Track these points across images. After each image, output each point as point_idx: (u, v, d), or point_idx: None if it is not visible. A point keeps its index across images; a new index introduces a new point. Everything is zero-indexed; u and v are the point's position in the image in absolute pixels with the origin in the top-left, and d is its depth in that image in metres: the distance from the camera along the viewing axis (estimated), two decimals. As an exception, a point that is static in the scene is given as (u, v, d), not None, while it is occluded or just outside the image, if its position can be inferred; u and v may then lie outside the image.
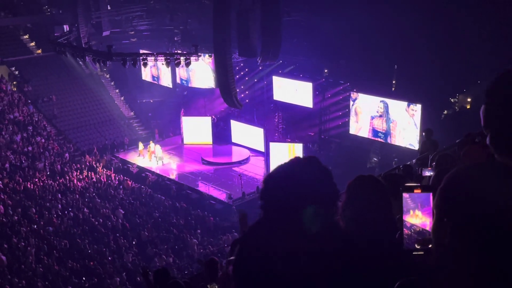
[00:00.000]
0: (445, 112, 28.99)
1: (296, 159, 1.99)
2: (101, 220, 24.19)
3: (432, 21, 25.57)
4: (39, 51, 39.58)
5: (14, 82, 36.92)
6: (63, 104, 36.71)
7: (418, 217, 2.31)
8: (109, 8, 37.03)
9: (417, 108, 26.48)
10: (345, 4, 27.91)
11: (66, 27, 38.27)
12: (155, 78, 39.42)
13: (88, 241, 22.22)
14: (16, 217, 23.77)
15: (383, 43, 27.25)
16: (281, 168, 1.96)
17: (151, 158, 32.67)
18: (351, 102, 29.65)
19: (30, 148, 31.32)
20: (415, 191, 2.33)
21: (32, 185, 27.64)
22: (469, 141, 7.42)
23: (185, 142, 35.19)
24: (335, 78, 31.56)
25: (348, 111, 30.20)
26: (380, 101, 28.01)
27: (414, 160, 10.48)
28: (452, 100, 29.43)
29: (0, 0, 39.70)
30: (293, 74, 33.06)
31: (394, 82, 30.55)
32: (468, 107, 28.91)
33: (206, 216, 25.73)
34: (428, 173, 4.86)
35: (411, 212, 2.31)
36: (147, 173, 31.31)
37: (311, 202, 1.86)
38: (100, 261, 20.74)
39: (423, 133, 8.79)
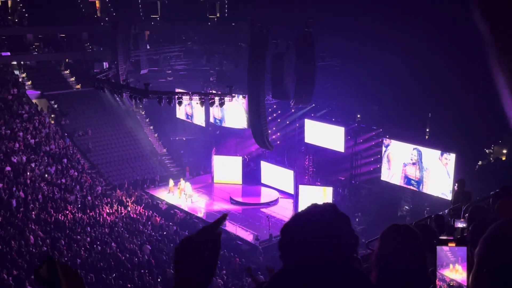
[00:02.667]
0: (480, 162, 28.50)
1: (314, 206, 1.96)
2: (127, 255, 24.23)
3: (468, 69, 25.45)
4: (79, 86, 40.82)
5: (53, 115, 37.99)
6: (98, 138, 37.48)
7: (458, 272, 2.25)
8: (148, 47, 38.09)
9: (451, 157, 26.05)
10: (380, 51, 28.06)
11: (105, 64, 39.44)
12: (189, 117, 40.00)
13: (114, 276, 22.21)
14: (45, 248, 24.03)
15: (417, 90, 27.20)
16: (298, 217, 1.96)
17: (181, 195, 32.84)
18: (384, 148, 29.42)
19: (63, 180, 31.88)
20: (449, 244, 2.28)
21: (63, 217, 28.01)
22: (504, 194, 7.25)
23: (215, 180, 35.32)
24: (368, 123, 31.45)
25: (380, 157, 29.94)
26: (414, 149, 27.68)
27: (446, 211, 10.26)
28: (487, 151, 28.95)
29: (44, 36, 41.37)
30: (326, 118, 33.08)
31: (427, 130, 30.29)
32: (504, 158, 28.39)
33: (232, 257, 25.51)
34: (460, 224, 4.75)
35: (451, 266, 2.26)
36: (176, 210, 31.42)
37: (330, 251, 1.82)
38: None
39: (456, 184, 8.64)
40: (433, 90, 26.97)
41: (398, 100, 28.34)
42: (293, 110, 34.52)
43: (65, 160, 33.71)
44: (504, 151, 28.74)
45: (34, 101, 37.92)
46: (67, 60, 42.38)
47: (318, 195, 29.63)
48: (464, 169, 25.69)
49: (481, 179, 23.95)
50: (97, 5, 44.48)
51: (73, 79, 41.37)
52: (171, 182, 33.92)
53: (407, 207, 29.97)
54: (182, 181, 33.39)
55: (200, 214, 31.02)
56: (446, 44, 26.07)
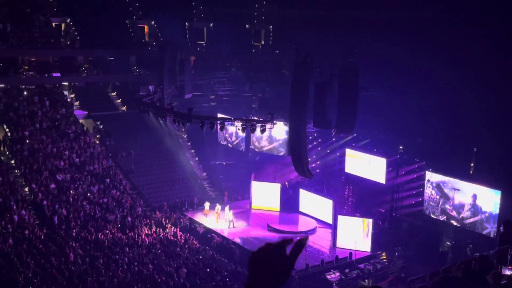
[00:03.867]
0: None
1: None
2: (164, 277, 24.33)
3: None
4: (124, 108, 41.80)
5: (98, 136, 38.94)
6: (140, 160, 38.12)
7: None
8: (193, 72, 38.80)
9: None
10: (424, 82, 27.81)
11: (151, 88, 40.32)
12: (230, 142, 40.31)
13: (149, 298, 22.34)
14: (84, 266, 24.40)
15: (462, 123, 26.72)
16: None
17: (218, 220, 32.91)
18: (427, 182, 28.83)
19: (105, 200, 32.49)
20: None
21: (102, 236, 28.46)
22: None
23: (252, 206, 35.29)
24: (411, 155, 30.95)
25: (422, 190, 29.34)
26: (471, 196, 26.73)
27: (491, 251, 9.92)
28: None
29: (94, 59, 42.72)
30: (367, 148, 32.75)
31: (472, 165, 29.56)
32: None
33: (268, 285, 25.22)
34: (508, 272, 4.55)
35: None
36: (213, 234, 31.47)
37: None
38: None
39: (502, 224, 8.36)
40: (479, 124, 26.42)
41: (442, 132, 27.86)
42: (334, 139, 34.33)
43: (108, 180, 34.38)
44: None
45: (81, 121, 39.02)
46: (114, 82, 43.52)
47: (357, 226, 29.21)
48: (509, 206, 24.91)
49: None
50: (146, 30, 45.73)
51: (119, 101, 42.44)
52: (207, 205, 34.09)
53: (448, 243, 29.18)
54: (218, 206, 33.50)
55: (237, 240, 30.93)
56: (492, 77, 25.61)
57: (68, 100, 40.35)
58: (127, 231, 29.99)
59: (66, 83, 41.49)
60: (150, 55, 41.92)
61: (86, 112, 40.12)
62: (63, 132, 36.59)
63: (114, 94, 43.00)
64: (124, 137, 39.18)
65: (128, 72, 42.98)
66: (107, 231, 29.26)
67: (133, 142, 38.85)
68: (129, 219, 31.26)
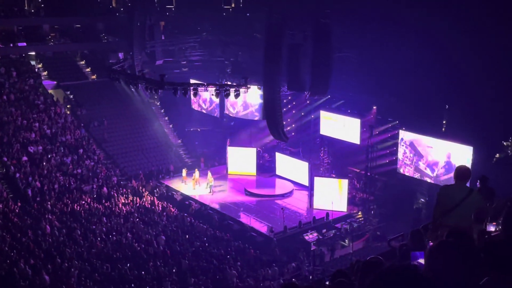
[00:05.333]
0: (497, 155, 28.10)
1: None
2: (143, 245, 24.35)
3: (486, 61, 25.05)
4: (94, 76, 40.97)
5: (68, 106, 38.21)
6: (113, 129, 37.64)
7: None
8: (163, 38, 38.06)
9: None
10: (397, 42, 27.74)
11: (121, 55, 39.51)
12: (204, 108, 40.01)
13: (129, 266, 22.34)
14: (61, 238, 24.24)
15: (434, 82, 26.87)
16: None
17: (195, 186, 32.92)
18: (400, 140, 29.17)
19: (79, 171, 32.10)
20: None
21: (79, 207, 28.22)
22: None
23: (229, 172, 35.33)
24: (384, 115, 31.17)
25: (396, 149, 29.71)
26: (445, 153, 27.10)
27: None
28: (505, 143, 28.53)
29: (60, 27, 41.51)
30: (341, 110, 32.87)
31: (444, 122, 29.94)
32: (522, 151, 27.96)
33: (247, 248, 25.54)
34: (492, 228, 4.57)
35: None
36: (191, 201, 31.50)
37: None
38: (140, 287, 20.80)
39: (478, 180, 8.45)
40: (450, 82, 26.62)
41: (415, 91, 28.01)
42: (308, 102, 34.36)
43: (81, 151, 33.92)
44: (523, 144, 28.31)
45: (50, 91, 38.15)
46: (83, 51, 42.49)
47: (333, 187, 29.53)
48: (482, 162, 25.40)
49: (498, 171, 23.65)
50: (113, -5, 44.53)
51: (88, 69, 41.54)
52: (184, 171, 34.04)
53: (422, 200, 29.74)
54: (196, 172, 33.46)
55: (215, 206, 31.02)
56: (464, 36, 25.67)
57: (36, 70, 39.30)
58: (104, 201, 29.80)
59: (33, 53, 40.35)
60: (118, 22, 40.95)
61: (55, 82, 39.20)
62: (32, 104, 35.76)
63: (83, 62, 42.05)
64: (95, 107, 38.55)
65: (96, 39, 41.98)
66: (83, 202, 29.03)
67: (105, 111, 38.29)
68: (105, 189, 31.02)
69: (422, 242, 5.52)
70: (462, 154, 26.05)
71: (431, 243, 4.54)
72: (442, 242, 2.56)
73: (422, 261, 3.32)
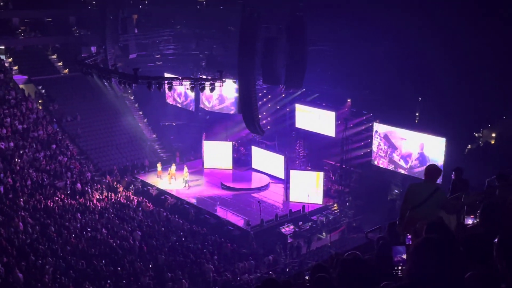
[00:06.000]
0: (469, 146, 28.63)
1: None
2: (118, 241, 24.13)
3: (458, 55, 25.46)
4: (66, 71, 40.29)
5: (40, 101, 37.53)
6: (86, 124, 37.13)
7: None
8: (136, 31, 37.64)
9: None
10: (371, 35, 27.97)
11: (93, 49, 38.94)
12: (179, 102, 39.76)
13: (105, 262, 22.13)
14: (35, 235, 23.85)
15: (407, 74, 27.20)
16: None
17: (170, 181, 32.75)
18: (374, 133, 29.46)
19: (52, 167, 31.60)
20: None
21: (52, 203, 27.80)
22: (501, 181, 7.23)
23: (205, 166, 35.23)
24: (359, 108, 31.45)
25: (370, 141, 30.01)
26: (419, 145, 27.42)
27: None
28: (476, 134, 29.08)
29: (30, 20, 40.69)
30: (316, 103, 33.05)
31: (417, 114, 30.34)
32: (493, 142, 28.53)
33: (224, 242, 25.54)
34: (470, 221, 4.63)
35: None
36: (167, 196, 31.33)
37: None
38: (116, 283, 20.62)
39: (453, 172, 8.59)
40: (422, 74, 26.98)
41: (389, 84, 28.32)
42: (283, 95, 34.45)
43: (54, 146, 33.38)
44: (493, 135, 28.89)
45: (21, 86, 37.37)
46: (54, 44, 41.73)
47: (309, 180, 29.69)
48: (455, 153, 25.85)
49: (470, 162, 24.11)
50: (84, -12, 43.80)
51: (60, 63, 40.82)
52: (159, 166, 33.83)
53: (397, 191, 30.13)
54: (173, 166, 33.27)
55: (191, 200, 30.92)
56: (435, 30, 26.02)
57: (6, 64, 38.45)
58: (78, 197, 29.40)
59: (2, 47, 39.45)
60: (90, 15, 40.37)
61: (26, 77, 38.40)
62: (3, 99, 34.98)
63: (54, 56, 41.29)
64: (68, 101, 37.95)
65: (68, 33, 41.27)
66: (57, 198, 28.59)
67: (78, 106, 37.74)
68: (79, 185, 30.60)
69: (399, 234, 5.60)
70: (435, 146, 26.45)
71: (409, 236, 4.61)
72: (425, 239, 2.57)
73: (405, 256, 3.37)
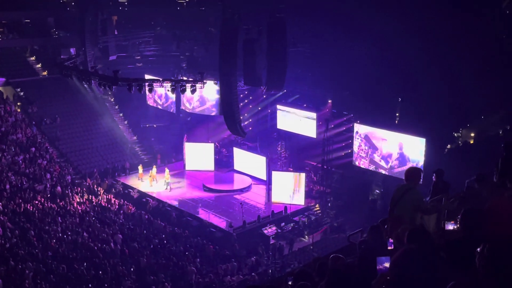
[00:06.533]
0: (449, 146, 28.96)
1: None
2: (99, 245, 23.93)
3: (437, 55, 25.76)
4: (45, 73, 39.81)
5: (19, 103, 37.03)
6: (66, 126, 36.75)
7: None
8: (116, 33, 37.35)
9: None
10: (350, 37, 28.15)
11: (73, 50, 38.53)
12: (159, 103, 39.57)
13: (86, 266, 21.93)
14: (14, 240, 23.53)
15: (387, 75, 27.41)
16: None
17: (152, 183, 32.58)
18: (355, 133, 29.66)
19: (31, 170, 31.22)
20: None
21: (32, 207, 27.45)
22: (481, 182, 7.34)
23: (187, 168, 35.11)
24: (339, 109, 31.65)
25: (351, 142, 30.20)
26: (398, 145, 27.68)
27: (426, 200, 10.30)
28: (455, 134, 29.43)
29: (8, 22, 40.10)
30: (297, 104, 33.17)
31: (397, 114, 30.61)
32: (472, 142, 28.90)
33: (206, 244, 25.48)
34: (451, 226, 4.69)
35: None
36: (148, 198, 31.16)
37: None
38: (97, 287, 20.46)
39: (434, 173, 8.70)
40: (402, 75, 27.20)
41: (369, 85, 28.51)
42: (264, 96, 34.49)
43: (33, 149, 32.97)
44: (472, 135, 29.24)
45: (-1, 88, 36.87)
46: (33, 46, 41.20)
47: (291, 180, 29.78)
48: (434, 153, 26.14)
49: (450, 162, 24.40)
50: (63, -11, 43.29)
51: (39, 65, 40.32)
52: (140, 168, 33.63)
53: (378, 191, 30.36)
54: (154, 169, 33.10)
55: (173, 202, 30.78)
56: (414, 31, 26.31)
57: (-17, 66, 37.88)
58: (58, 200, 29.09)
59: (-21, 49, 38.87)
60: (69, 16, 39.87)
61: (4, 79, 37.84)
62: (-20, 101, 34.50)
63: (33, 58, 40.76)
64: (47, 104, 37.50)
65: (46, 35, 40.75)
66: (37, 202, 28.24)
67: (58, 108, 37.34)
68: (59, 188, 30.27)
69: (381, 237, 5.66)
70: (415, 146, 26.74)
71: (391, 240, 4.66)
72: (405, 251, 2.61)
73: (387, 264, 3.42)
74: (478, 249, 2.36)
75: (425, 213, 6.22)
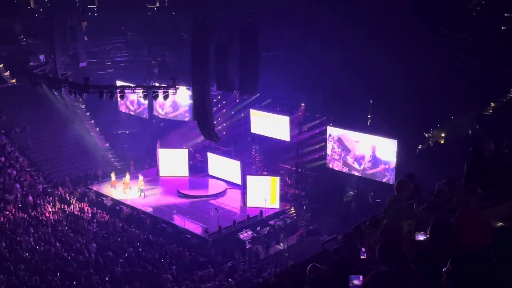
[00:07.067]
0: (420, 146, 29.39)
1: None
2: (73, 254, 23.56)
3: (406, 57, 26.14)
4: (14, 80, 39.09)
5: (-13, 112, 36.28)
6: (36, 135, 36.14)
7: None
8: (86, 39, 36.89)
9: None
10: (322, 41, 28.39)
11: (42, 57, 37.92)
12: (132, 109, 39.22)
13: (60, 277, 21.55)
14: (-15, 252, 23.02)
15: (358, 78, 27.71)
16: None
17: (125, 190, 32.25)
18: (328, 136, 29.89)
19: (1, 180, 30.59)
20: None
21: (2, 218, 26.89)
22: (449, 186, 7.47)
23: (161, 174, 34.87)
24: (312, 112, 31.87)
25: (325, 144, 30.42)
26: (371, 147, 27.99)
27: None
28: (426, 135, 29.88)
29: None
30: (271, 108, 33.28)
31: (369, 116, 30.96)
32: (442, 142, 29.38)
33: (182, 251, 25.32)
34: (421, 237, 4.74)
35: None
36: (122, 206, 30.82)
37: None
38: (72, 298, 20.15)
39: (405, 179, 8.81)
40: (373, 77, 27.52)
41: (340, 88, 28.77)
42: (238, 101, 34.51)
43: (3, 159, 32.32)
44: (443, 135, 29.74)
45: (-35, 97, 36.06)
46: (0, 53, 40.39)
47: (266, 184, 29.82)
48: (406, 154, 26.52)
49: (422, 162, 24.79)
50: (30, -5, 42.62)
51: (7, 73, 39.54)
52: (113, 176, 33.26)
53: (352, 193, 30.65)
54: (127, 176, 32.76)
55: (147, 209, 30.49)
56: (383, 33, 26.69)
57: (-51, 75, 37.02)
58: (29, 210, 28.57)
59: None
60: (37, 23, 39.22)
61: (-30, 87, 37.09)
62: None
63: (1, 66, 39.97)
64: (16, 112, 36.80)
65: (14, 41, 40.02)
66: (7, 212, 27.67)
67: (27, 117, 36.68)
68: (30, 197, 29.74)
69: (354, 245, 5.71)
70: (387, 148, 27.08)
71: (363, 250, 4.71)
72: (376, 275, 2.65)
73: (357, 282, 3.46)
74: (444, 268, 2.40)
75: (408, 218, 6.42)
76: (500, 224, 4.17)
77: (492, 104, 26.80)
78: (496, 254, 2.53)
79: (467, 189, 6.37)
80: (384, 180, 27.33)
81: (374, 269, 3.11)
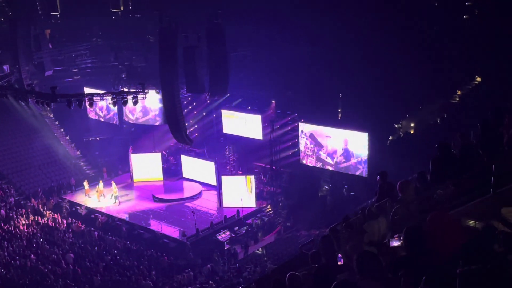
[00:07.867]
0: (390, 138, 29.79)
1: None
2: (50, 266, 23.23)
3: (372, 49, 26.46)
4: (-22, 92, 38.19)
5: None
6: (5, 146, 35.44)
7: None
8: (50, 47, 36.26)
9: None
10: (289, 38, 28.53)
11: (6, 68, 37.12)
12: (101, 116, 38.76)
13: (37, 291, 21.24)
14: (-42, 270, 22.53)
15: (327, 73, 27.95)
16: None
17: (100, 198, 31.88)
18: (301, 132, 30.07)
19: (-29, 195, 29.95)
20: None
21: (-26, 234, 26.34)
22: (421, 180, 7.61)
23: (134, 179, 34.57)
24: (283, 109, 32.01)
25: (297, 141, 30.60)
26: (343, 141, 28.25)
27: (369, 201, 10.58)
28: (396, 126, 30.29)
29: None
30: (241, 107, 33.31)
31: (340, 110, 31.23)
32: (412, 132, 29.83)
33: (160, 256, 25.20)
34: (396, 243, 4.80)
35: None
36: (97, 214, 30.46)
37: None
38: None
39: (378, 176, 8.94)
40: (341, 72, 27.77)
41: (310, 84, 28.98)
42: (208, 101, 34.42)
43: (-29, 173, 31.65)
44: (412, 125, 30.18)
45: None
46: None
47: (241, 184, 29.86)
48: (377, 145, 26.87)
49: (393, 153, 25.16)
50: (-10, 4, 41.66)
51: (-30, 85, 38.65)
52: (86, 184, 32.83)
53: (326, 187, 30.91)
54: (100, 183, 32.38)
55: (123, 216, 30.21)
56: (348, 27, 26.97)
57: None
58: (2, 224, 28.01)
59: None
60: (0, 32, 38.37)
61: None
62: None
63: (-37, 78, 39.03)
64: (-18, 125, 36.02)
65: (-24, 52, 39.07)
66: (-21, 228, 27.12)
67: (-6, 129, 35.92)
68: (2, 211, 29.16)
69: (332, 247, 5.78)
70: (359, 141, 27.38)
71: (340, 255, 4.79)
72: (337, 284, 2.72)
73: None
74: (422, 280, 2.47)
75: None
76: (471, 222, 4.30)
77: (459, 92, 27.30)
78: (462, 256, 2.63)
79: (441, 185, 6.47)
80: (357, 173, 27.65)
81: (353, 276, 3.19)
